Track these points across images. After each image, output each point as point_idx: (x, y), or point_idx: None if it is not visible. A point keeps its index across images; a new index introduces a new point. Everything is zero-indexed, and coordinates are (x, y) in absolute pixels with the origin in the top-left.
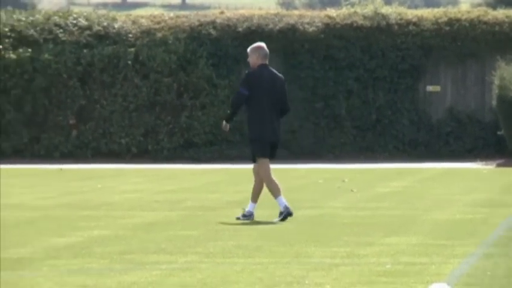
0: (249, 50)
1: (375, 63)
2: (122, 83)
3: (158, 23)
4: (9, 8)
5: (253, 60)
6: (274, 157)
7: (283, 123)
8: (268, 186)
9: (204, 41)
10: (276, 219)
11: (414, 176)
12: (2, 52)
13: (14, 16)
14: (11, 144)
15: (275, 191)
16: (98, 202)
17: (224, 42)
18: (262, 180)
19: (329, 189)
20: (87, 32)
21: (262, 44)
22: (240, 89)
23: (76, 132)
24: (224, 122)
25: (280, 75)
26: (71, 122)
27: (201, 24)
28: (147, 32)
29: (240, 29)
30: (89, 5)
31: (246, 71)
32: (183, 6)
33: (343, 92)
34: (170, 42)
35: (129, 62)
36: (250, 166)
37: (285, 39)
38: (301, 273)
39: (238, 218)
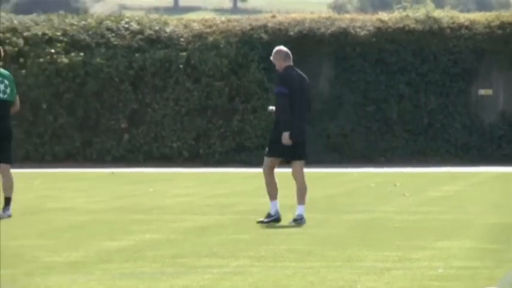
0: (271, 57)
1: (427, 67)
2: (174, 87)
3: (210, 27)
4: (62, 12)
5: (279, 63)
6: (304, 158)
7: (335, 127)
8: (266, 185)
9: (256, 45)
10: (261, 219)
11: (466, 180)
12: (55, 56)
13: (66, 20)
14: (63, 148)
15: (269, 195)
16: (149, 206)
17: (275, 46)
18: (303, 181)
19: (381, 193)
20: (139, 36)
21: (281, 47)
22: (280, 89)
23: (128, 136)
24: (285, 134)
25: (305, 75)
26: (123, 126)
27: (252, 28)
28: (199, 36)
29: (292, 33)
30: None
31: (278, 74)
32: (235, 10)
33: (395, 96)
34: (222, 46)
35: (181, 66)
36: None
37: (337, 43)
38: (353, 277)
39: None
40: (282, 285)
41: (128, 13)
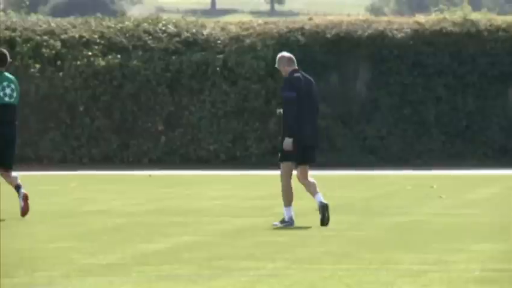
0: (276, 65)
1: (464, 70)
2: (211, 89)
3: (247, 29)
4: (99, 15)
5: (284, 69)
6: (314, 161)
7: (371, 130)
8: (282, 190)
9: (293, 47)
10: (276, 222)
11: (504, 182)
12: (92, 59)
13: (104, 23)
14: (100, 150)
15: (285, 199)
16: (186, 208)
17: (312, 49)
18: (308, 182)
19: (417, 195)
20: (176, 38)
21: (283, 53)
22: (287, 94)
23: (164, 138)
24: (287, 140)
25: (311, 78)
26: (160, 128)
27: (289, 31)
28: (236, 39)
29: (329, 36)
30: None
31: (284, 78)
32: (272, 12)
33: (432, 99)
34: (259, 48)
35: (218, 69)
36: (337, 173)
37: (374, 46)
38: (390, 279)
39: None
40: (318, 287)
41: (165, 16)
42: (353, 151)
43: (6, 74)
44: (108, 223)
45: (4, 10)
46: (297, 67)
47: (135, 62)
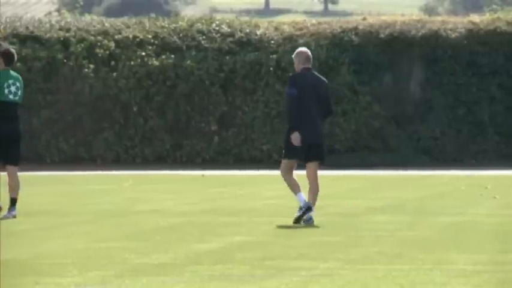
0: (293, 56)
1: None
2: (264, 89)
3: (300, 29)
4: (153, 15)
5: (296, 64)
6: (321, 159)
7: (425, 130)
8: (287, 185)
9: (346, 47)
10: (296, 214)
11: None
12: (145, 59)
13: (158, 23)
14: (153, 150)
15: (292, 189)
16: (239, 208)
17: (366, 49)
18: (316, 183)
19: (471, 196)
20: (230, 38)
21: (304, 49)
22: (288, 91)
23: (218, 138)
24: (295, 134)
25: (324, 78)
26: (213, 128)
27: (343, 31)
28: (289, 39)
29: (382, 36)
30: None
31: (290, 75)
32: (326, 12)
33: (486, 99)
34: (312, 48)
35: (271, 69)
36: (391, 173)
37: (428, 46)
38: (443, 280)
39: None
40: (371, 287)
41: (218, 16)
42: (407, 151)
43: (12, 72)
44: (161, 223)
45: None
46: (309, 66)
47: (188, 62)
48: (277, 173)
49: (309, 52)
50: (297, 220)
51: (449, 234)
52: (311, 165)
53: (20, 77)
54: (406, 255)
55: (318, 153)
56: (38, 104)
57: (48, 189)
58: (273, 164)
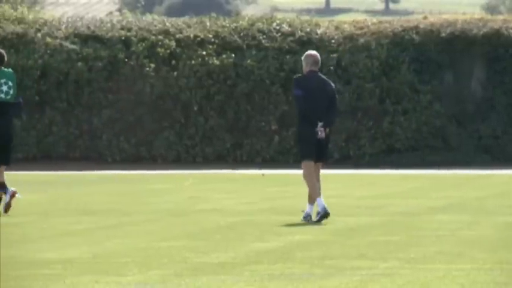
0: (302, 57)
1: None
2: None
3: (361, 28)
4: (214, 14)
5: (304, 66)
6: (325, 159)
7: (486, 129)
8: (309, 187)
9: (407, 46)
10: (314, 219)
11: None
12: (206, 58)
13: (218, 22)
14: (214, 149)
15: (314, 194)
16: (299, 207)
17: (427, 48)
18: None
19: None
20: (290, 38)
21: (313, 52)
22: (294, 92)
23: (278, 137)
24: (319, 129)
25: (330, 82)
26: (273, 127)
27: (404, 30)
28: (350, 38)
29: (443, 34)
30: (292, 11)
31: (295, 76)
32: (386, 11)
33: None
34: (373, 47)
35: (332, 68)
36: (452, 172)
37: (489, 44)
38: (504, 279)
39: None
40: (431, 287)
41: (279, 15)
42: (467, 150)
43: (5, 69)
44: (221, 222)
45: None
46: (316, 69)
47: (249, 61)
48: (337, 172)
49: (318, 56)
50: (319, 219)
51: (510, 234)
52: (318, 165)
53: (14, 75)
54: (467, 255)
55: (324, 153)
56: (99, 103)
57: (108, 188)
58: (333, 163)
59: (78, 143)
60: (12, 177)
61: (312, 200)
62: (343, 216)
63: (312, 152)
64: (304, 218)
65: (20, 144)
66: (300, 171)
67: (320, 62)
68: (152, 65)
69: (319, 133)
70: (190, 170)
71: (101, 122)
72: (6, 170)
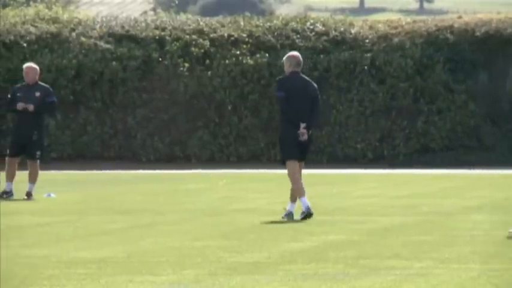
0: (284, 58)
1: None
2: (358, 88)
3: (395, 28)
4: (248, 14)
5: (286, 67)
6: (304, 158)
7: None
8: (293, 187)
9: (441, 46)
10: (298, 217)
11: None
12: (240, 58)
13: (252, 22)
14: (247, 149)
15: (299, 193)
16: (333, 207)
17: (461, 47)
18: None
19: None
20: (324, 37)
21: (296, 53)
22: (277, 94)
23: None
24: (301, 130)
25: (313, 83)
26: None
27: (438, 29)
28: (384, 37)
29: (478, 34)
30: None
31: (278, 78)
32: (421, 11)
33: None
34: (407, 47)
35: (365, 67)
36: (486, 172)
37: None
38: None
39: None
40: (465, 287)
41: (313, 14)
42: (502, 150)
43: None
44: (255, 221)
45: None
46: (298, 70)
47: (283, 60)
48: (371, 172)
49: (300, 57)
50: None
51: None
52: (301, 164)
53: None
54: (502, 255)
55: (306, 153)
56: (134, 103)
57: (142, 188)
58: (367, 163)
59: (112, 143)
60: (47, 177)
61: (293, 198)
62: (377, 216)
63: (295, 152)
64: (285, 215)
65: (54, 143)
66: (336, 171)
67: (302, 63)
68: (186, 65)
69: (302, 135)
70: (224, 169)
71: (135, 122)
72: (41, 169)
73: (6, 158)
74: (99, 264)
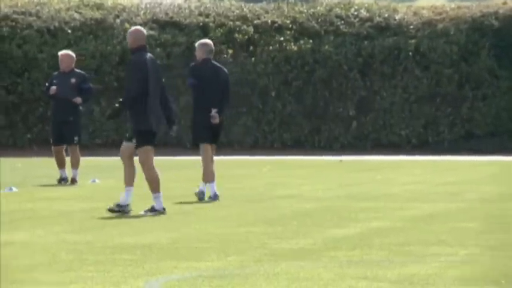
0: (196, 45)
1: None
2: (402, 74)
3: (439, 13)
4: (291, 0)
5: (199, 54)
6: (216, 142)
7: None
8: (203, 171)
9: (486, 31)
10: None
11: None
12: (284, 44)
13: (296, 8)
14: (291, 135)
15: (208, 177)
16: (377, 193)
17: (507, 33)
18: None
19: None
20: (368, 23)
21: (208, 41)
22: (188, 81)
23: (356, 123)
24: (213, 115)
25: (224, 69)
26: (351, 113)
27: (483, 15)
28: (428, 23)
29: None
30: None
31: (191, 64)
32: None
33: None
34: (451, 33)
35: (410, 54)
36: None
37: None
38: None
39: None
40: (511, 274)
41: (357, 0)
42: None
43: None
44: (298, 208)
45: None
46: (210, 57)
47: (326, 47)
48: (415, 158)
49: (212, 45)
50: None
51: None
52: (213, 147)
53: None
54: None
55: (218, 136)
56: (178, 89)
57: (186, 174)
58: (412, 149)
59: None
60: (91, 163)
61: (205, 179)
62: (421, 203)
63: (208, 136)
64: (197, 193)
65: (99, 129)
66: (380, 158)
67: (214, 50)
68: (230, 51)
69: (213, 119)
70: (267, 156)
71: (179, 108)
72: (86, 155)
73: (52, 147)
74: (144, 250)
